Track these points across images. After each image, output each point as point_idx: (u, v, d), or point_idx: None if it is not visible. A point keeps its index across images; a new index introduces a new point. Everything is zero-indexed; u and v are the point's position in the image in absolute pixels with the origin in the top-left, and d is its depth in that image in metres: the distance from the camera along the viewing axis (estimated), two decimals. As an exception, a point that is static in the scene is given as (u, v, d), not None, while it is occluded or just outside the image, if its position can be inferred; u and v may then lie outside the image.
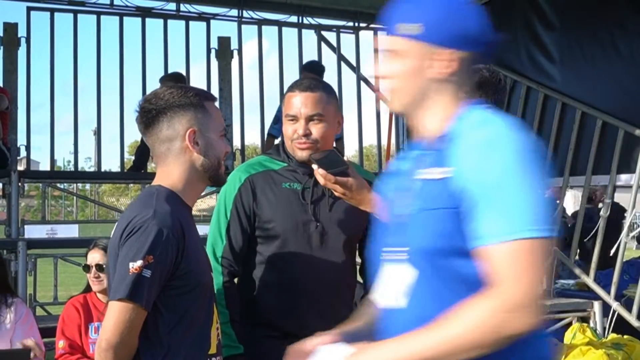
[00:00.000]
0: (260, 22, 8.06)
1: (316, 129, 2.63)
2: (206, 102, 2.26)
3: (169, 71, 7.66)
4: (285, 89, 2.90)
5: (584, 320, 5.68)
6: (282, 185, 2.67)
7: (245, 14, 7.98)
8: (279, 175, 2.69)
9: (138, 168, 7.59)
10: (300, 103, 2.64)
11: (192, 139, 2.20)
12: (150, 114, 2.21)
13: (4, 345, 3.79)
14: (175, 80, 6.50)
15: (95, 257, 4.06)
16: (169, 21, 7.80)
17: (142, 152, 7.54)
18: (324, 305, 2.62)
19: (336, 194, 2.47)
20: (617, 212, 7.16)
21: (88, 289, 4.14)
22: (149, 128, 2.23)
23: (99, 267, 4.01)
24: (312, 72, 6.48)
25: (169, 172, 2.23)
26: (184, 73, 7.74)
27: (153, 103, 2.22)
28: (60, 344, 3.91)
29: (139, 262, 2.02)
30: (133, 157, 7.94)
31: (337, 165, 2.44)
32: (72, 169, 9.02)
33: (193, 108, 2.22)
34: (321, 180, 2.44)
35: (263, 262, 2.66)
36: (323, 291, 2.62)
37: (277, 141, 6.37)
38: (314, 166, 2.45)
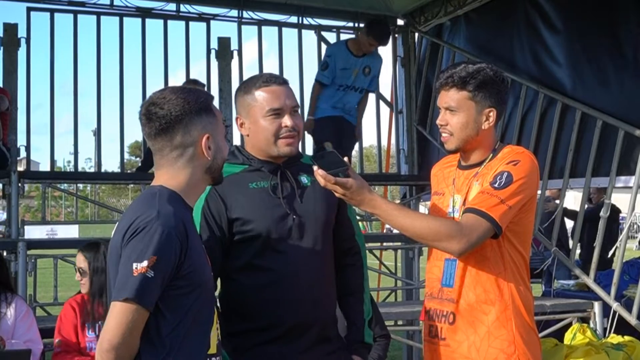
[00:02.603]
0: (260, 23, 8.05)
1: (298, 120, 2.63)
2: (212, 104, 2.27)
3: (169, 71, 7.70)
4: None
5: (584, 320, 5.68)
6: (249, 186, 2.60)
7: (245, 14, 7.96)
8: (241, 177, 2.61)
9: (147, 168, 7.48)
10: (283, 95, 2.60)
11: (207, 145, 2.20)
12: (164, 119, 2.16)
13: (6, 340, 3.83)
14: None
15: (79, 259, 4.13)
16: (169, 22, 7.78)
17: (150, 152, 7.43)
18: (315, 295, 2.58)
19: (336, 194, 2.46)
20: (611, 212, 7.08)
21: (87, 289, 4.16)
22: (161, 134, 2.18)
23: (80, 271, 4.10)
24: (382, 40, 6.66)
25: (175, 175, 2.21)
26: (183, 72, 7.75)
27: (166, 109, 2.16)
28: (57, 342, 3.93)
29: (144, 263, 2.00)
30: (133, 158, 7.88)
31: (337, 166, 2.43)
32: (72, 169, 8.98)
33: (205, 113, 2.21)
34: (321, 181, 2.42)
35: (246, 265, 2.57)
36: (311, 282, 2.57)
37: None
38: (314, 167, 2.44)
